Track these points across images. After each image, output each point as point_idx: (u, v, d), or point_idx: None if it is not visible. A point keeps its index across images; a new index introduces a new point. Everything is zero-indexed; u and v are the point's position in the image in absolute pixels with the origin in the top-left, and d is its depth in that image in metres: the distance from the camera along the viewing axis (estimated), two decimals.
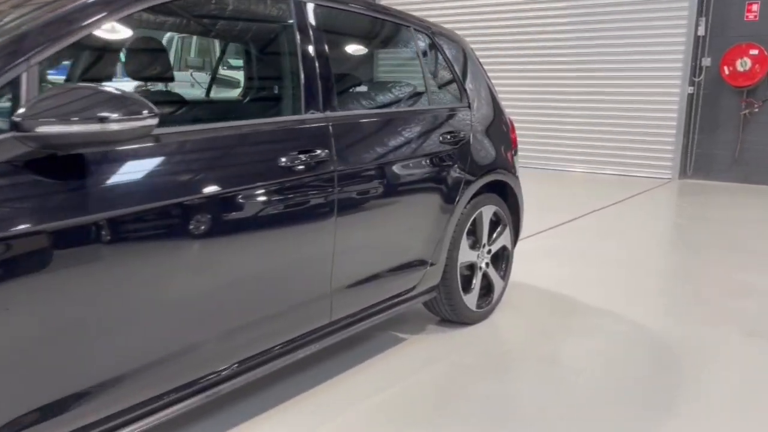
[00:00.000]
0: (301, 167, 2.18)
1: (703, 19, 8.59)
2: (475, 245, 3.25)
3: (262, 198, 2.05)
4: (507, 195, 3.48)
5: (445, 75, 3.20)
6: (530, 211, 6.73)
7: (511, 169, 3.39)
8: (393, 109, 2.75)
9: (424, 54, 3.06)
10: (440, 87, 3.19)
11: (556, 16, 9.70)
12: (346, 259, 2.40)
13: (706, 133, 8.86)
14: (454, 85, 3.19)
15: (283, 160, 2.13)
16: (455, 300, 3.12)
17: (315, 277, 2.30)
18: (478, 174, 3.09)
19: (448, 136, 2.96)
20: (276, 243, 2.12)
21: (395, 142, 2.64)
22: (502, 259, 3.49)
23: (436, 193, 2.83)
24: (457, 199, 2.96)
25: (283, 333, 2.25)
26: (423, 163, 2.76)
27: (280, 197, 2.11)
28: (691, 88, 8.81)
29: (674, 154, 9.08)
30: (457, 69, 3.19)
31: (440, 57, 3.14)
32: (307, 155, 2.21)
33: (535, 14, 9.85)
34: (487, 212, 3.25)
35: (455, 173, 2.94)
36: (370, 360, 2.86)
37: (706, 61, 8.66)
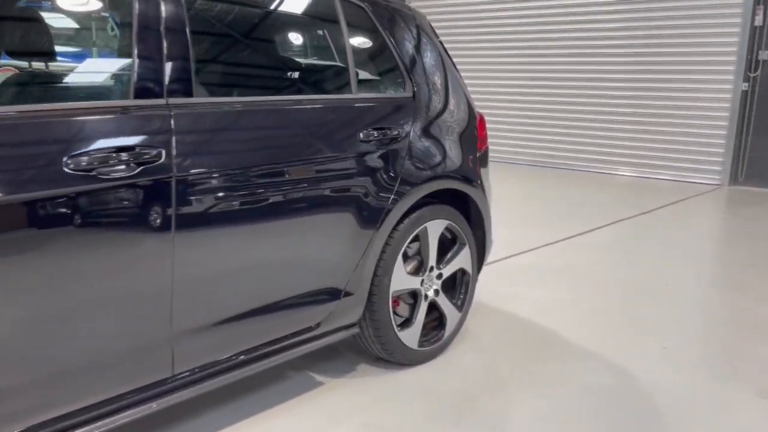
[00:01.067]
0: (116, 171, 1.63)
1: (761, 7, 7.62)
2: (419, 269, 2.63)
3: (43, 211, 1.50)
4: (470, 207, 2.84)
5: (382, 57, 2.58)
6: (546, 220, 6.01)
7: (472, 176, 2.74)
8: (288, 97, 2.15)
9: (352, 29, 2.45)
10: (374, 71, 2.58)
11: (600, 4, 8.86)
12: (195, 294, 1.82)
13: (762, 135, 7.88)
14: (394, 70, 2.57)
15: (84, 161, 1.57)
16: (387, 337, 2.51)
17: (143, 317, 1.73)
18: (418, 180, 2.46)
19: (376, 133, 2.34)
20: (73, 270, 1.57)
21: (286, 138, 2.05)
22: (459, 286, 2.85)
23: (349, 204, 2.22)
24: (384, 212, 2.34)
25: (95, 391, 1.70)
26: (329, 166, 2.16)
27: (75, 209, 1.55)
28: (746, 84, 7.84)
29: (724, 157, 8.13)
30: (401, 50, 2.56)
31: (378, 34, 2.52)
32: (130, 154, 1.65)
33: (578, 3, 9.05)
34: (436, 228, 2.62)
35: (383, 179, 2.33)
36: (265, 412, 2.29)
37: (764, 55, 7.68)
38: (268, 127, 2.01)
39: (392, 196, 2.36)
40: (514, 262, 4.31)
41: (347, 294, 2.30)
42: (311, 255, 2.13)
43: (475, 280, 2.91)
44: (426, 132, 2.55)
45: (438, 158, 2.57)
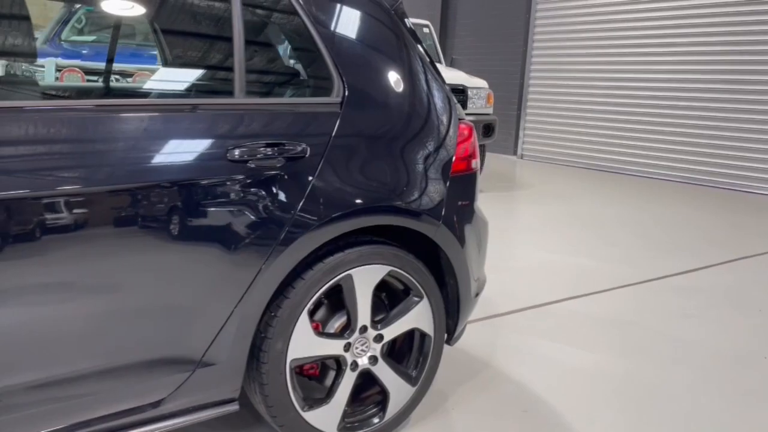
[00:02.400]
0: None
1: None
2: (346, 329, 2.00)
3: None
4: (438, 250, 2.15)
5: (299, 48, 1.97)
6: (646, 250, 4.88)
7: (431, 209, 2.04)
8: (107, 101, 1.60)
9: (249, 8, 1.87)
10: (283, 68, 1.98)
11: None
12: None
13: None
14: (317, 68, 1.95)
15: None
16: (285, 418, 1.90)
17: None
18: (331, 214, 1.83)
19: (269, 150, 1.75)
20: None
21: (96, 156, 1.52)
22: (417, 352, 2.17)
23: (201, 243, 1.64)
24: (266, 256, 1.74)
25: None
26: (169, 191, 1.60)
27: None
28: None
29: None
30: (330, 39, 1.93)
31: (293, 16, 1.92)
32: None
33: None
34: (368, 276, 1.96)
35: (266, 211, 1.73)
36: None
37: None
38: (67, 140, 1.49)
39: (283, 233, 1.75)
40: (566, 308, 3.47)
41: (205, 364, 1.73)
42: (135, 313, 1.58)
43: (441, 345, 2.20)
44: (356, 149, 1.90)
45: (370, 185, 1.91)
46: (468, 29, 11.41)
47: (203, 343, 1.71)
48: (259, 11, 1.91)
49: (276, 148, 1.77)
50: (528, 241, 4.94)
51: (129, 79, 2.15)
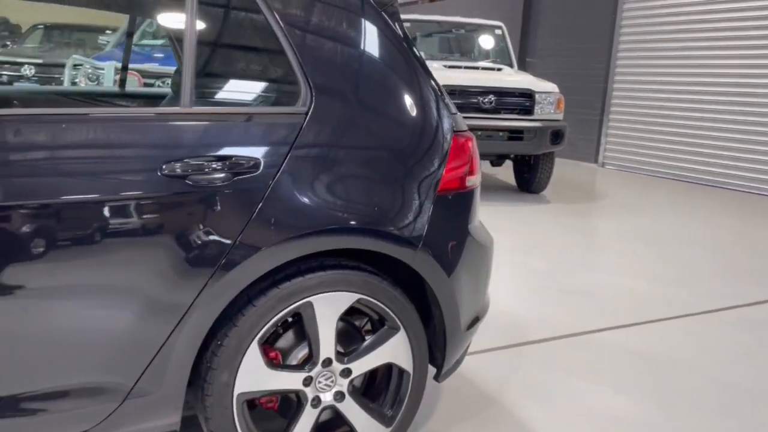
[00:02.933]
0: None
1: None
2: (306, 362, 1.82)
3: None
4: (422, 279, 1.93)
5: (261, 51, 1.80)
6: (719, 274, 4.36)
7: (410, 234, 1.82)
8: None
9: (205, 6, 1.72)
10: (237, 71, 1.81)
11: None
12: None
13: None
14: (278, 71, 1.77)
15: None
16: None
17: None
18: (283, 235, 1.65)
19: (215, 165, 1.59)
20: None
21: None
22: (395, 390, 1.96)
23: (127, 263, 1.50)
24: (206, 281, 1.59)
25: None
26: (94, 210, 1.47)
27: None
28: None
29: None
30: (298, 40, 1.75)
31: (255, 13, 1.76)
32: None
33: None
34: (331, 304, 1.77)
35: (209, 231, 1.57)
36: None
37: None
38: None
39: (225, 257, 1.59)
40: (607, 339, 3.12)
41: (137, 395, 1.60)
42: (51, 335, 1.47)
43: (422, 383, 1.97)
44: (318, 164, 1.71)
45: (332, 203, 1.72)
46: (550, 30, 10.92)
47: (133, 372, 1.58)
48: (215, 7, 1.76)
49: (223, 163, 1.61)
50: (587, 260, 4.57)
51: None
